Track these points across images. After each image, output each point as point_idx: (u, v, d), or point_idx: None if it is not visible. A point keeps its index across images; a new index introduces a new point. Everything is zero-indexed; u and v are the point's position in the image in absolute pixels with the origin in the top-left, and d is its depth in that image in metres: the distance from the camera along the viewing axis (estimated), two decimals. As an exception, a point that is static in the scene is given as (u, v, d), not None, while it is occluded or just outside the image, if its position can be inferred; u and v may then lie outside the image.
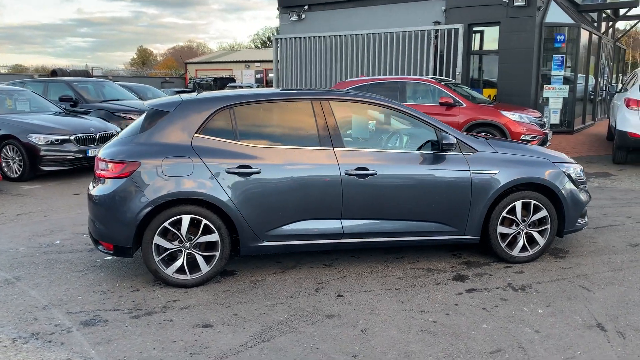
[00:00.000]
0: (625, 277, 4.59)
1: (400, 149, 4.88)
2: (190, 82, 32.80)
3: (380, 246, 4.80)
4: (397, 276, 4.64)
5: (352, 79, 12.36)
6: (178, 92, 24.34)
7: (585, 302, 4.09)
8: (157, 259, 4.31)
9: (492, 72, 13.78)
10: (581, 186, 5.08)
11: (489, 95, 13.33)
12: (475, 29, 13.51)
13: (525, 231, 4.89)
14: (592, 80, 15.50)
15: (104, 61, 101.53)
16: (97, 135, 9.53)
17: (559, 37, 12.75)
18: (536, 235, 4.91)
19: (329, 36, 14.68)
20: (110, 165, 4.32)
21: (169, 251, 4.34)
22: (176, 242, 4.35)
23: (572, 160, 5.17)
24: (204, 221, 4.32)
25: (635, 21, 17.80)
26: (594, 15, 16.86)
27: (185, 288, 4.37)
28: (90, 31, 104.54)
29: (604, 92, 17.35)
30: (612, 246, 5.43)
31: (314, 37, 14.96)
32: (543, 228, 4.91)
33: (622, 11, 17.33)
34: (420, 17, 13.59)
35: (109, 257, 5.16)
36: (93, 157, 9.34)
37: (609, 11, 17.06)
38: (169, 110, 4.48)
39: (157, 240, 4.28)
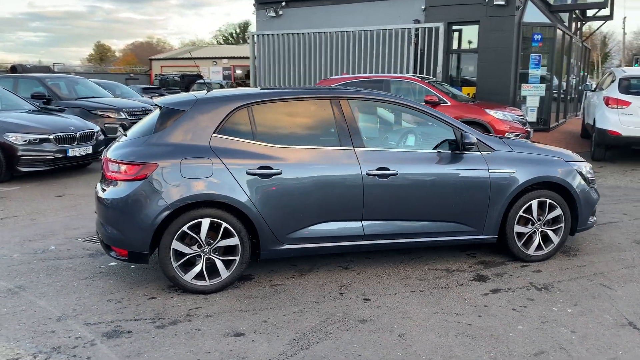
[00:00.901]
0: (641, 274, 4.65)
1: (417, 148, 4.81)
2: (155, 79, 32.08)
3: (400, 247, 4.73)
4: (417, 277, 4.58)
5: (335, 77, 12.27)
6: (145, 89, 23.72)
7: (611, 301, 4.12)
8: (175, 264, 4.12)
9: (470, 70, 13.93)
10: (591, 184, 5.13)
11: (468, 94, 13.46)
12: (454, 27, 13.62)
13: (540, 230, 4.90)
14: (564, 79, 15.86)
15: (58, 57, 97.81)
16: (78, 134, 9.14)
17: (536, 36, 12.98)
18: (551, 234, 4.93)
19: (308, 33, 14.54)
20: (123, 167, 4.10)
21: (187, 256, 4.16)
22: (195, 247, 4.17)
23: (582, 159, 5.22)
24: (224, 224, 4.15)
25: (602, 22, 18.34)
26: (563, 15, 17.25)
27: (204, 294, 4.19)
28: (42, 25, 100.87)
29: (574, 90, 17.81)
30: (618, 243, 5.51)
31: (292, 34, 14.80)
32: (557, 227, 4.94)
33: (589, 12, 17.82)
34: (399, 15, 13.61)
35: (114, 263, 4.93)
36: (73, 157, 9.02)
37: (577, 12, 17.50)
38: (184, 110, 4.28)
39: (176, 245, 4.09)
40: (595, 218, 5.26)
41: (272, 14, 15.18)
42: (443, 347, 3.42)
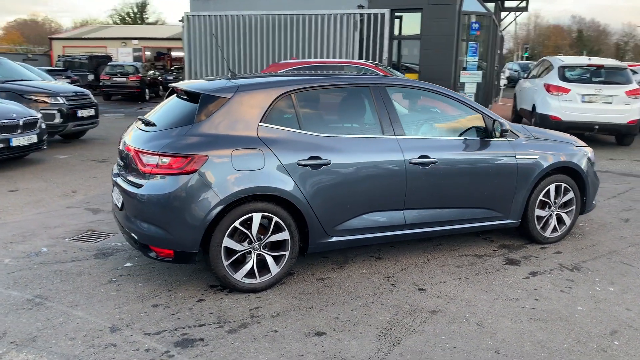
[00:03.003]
0: (648, 251, 5.01)
1: (450, 135, 4.79)
2: (58, 61, 29.64)
3: (437, 235, 4.73)
4: (454, 265, 4.62)
5: (285, 61, 12.02)
6: (50, 72, 21.87)
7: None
8: (226, 263, 3.84)
9: (411, 57, 14.22)
10: (594, 168, 5.42)
11: (410, 80, 13.74)
12: (397, 14, 13.80)
13: (555, 213, 5.12)
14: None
15: None
16: (21, 122, 8.24)
17: (474, 25, 13.50)
18: (564, 216, 5.16)
19: (247, 15, 14.09)
20: (167, 159, 3.73)
21: (238, 254, 3.89)
22: (245, 243, 3.91)
23: (585, 144, 5.49)
24: (275, 218, 3.93)
25: (519, 13, 19.47)
26: (488, 6, 18.06)
27: (255, 293, 3.96)
28: None
29: (496, 77, 18.79)
30: (609, 222, 5.89)
31: (230, 15, 14.27)
32: (569, 209, 5.18)
33: (507, 4, 18.83)
34: (343, 1, 13.56)
35: (129, 264, 4.51)
36: (17, 147, 8.15)
37: (499, 2, 18.42)
38: (227, 97, 3.97)
39: (227, 242, 3.82)
40: (595, 201, 5.58)
41: (207, -6, 14.52)
42: (525, 332, 3.47)
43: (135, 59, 32.89)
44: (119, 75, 23.30)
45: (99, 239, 5.18)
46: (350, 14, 13.28)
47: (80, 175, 7.95)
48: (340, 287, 4.10)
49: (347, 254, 4.79)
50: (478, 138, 4.74)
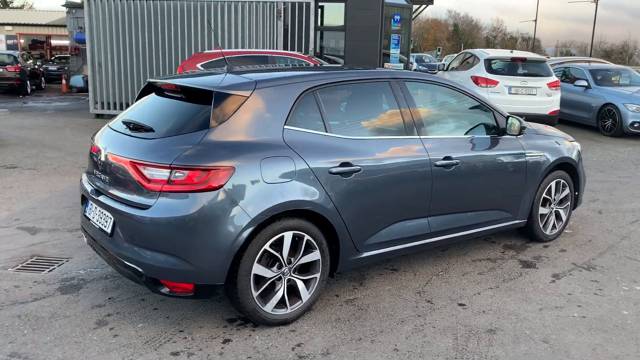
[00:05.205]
0: (641, 244, 5.08)
1: (463, 134, 4.46)
2: None
3: (457, 241, 4.40)
4: (475, 272, 4.32)
5: (209, 51, 11.16)
6: None
7: (654, 273, 4.39)
8: (255, 294, 3.22)
9: (334, 48, 13.89)
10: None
11: (335, 72, 13.43)
12: (320, 4, 13.37)
13: (554, 210, 5.02)
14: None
15: None
16: None
17: (395, 17, 13.45)
18: (562, 212, 5.08)
19: (159, 1, 12.91)
20: (182, 173, 3.02)
21: (268, 281, 3.28)
22: (275, 268, 3.30)
23: (573, 138, 5.45)
24: (306, 237, 3.36)
25: (424, 6, 19.87)
26: None
27: (285, 325, 3.37)
28: None
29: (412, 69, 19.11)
30: (586, 215, 5.94)
31: (139, 0, 13.00)
32: (565, 205, 5.10)
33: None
34: (263, -12, 12.85)
35: (108, 297, 3.71)
36: None
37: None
38: (245, 95, 3.31)
39: (256, 269, 3.19)
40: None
41: (110, -24, 13.08)
42: (596, 347, 3.23)
43: (10, 47, 29.50)
44: (-6, 65, 20.65)
45: (51, 267, 4.27)
46: (272, 2, 12.63)
47: (-9, 186, 6.70)
48: (376, 310, 3.63)
49: (360, 268, 4.32)
50: (490, 136, 4.47)
